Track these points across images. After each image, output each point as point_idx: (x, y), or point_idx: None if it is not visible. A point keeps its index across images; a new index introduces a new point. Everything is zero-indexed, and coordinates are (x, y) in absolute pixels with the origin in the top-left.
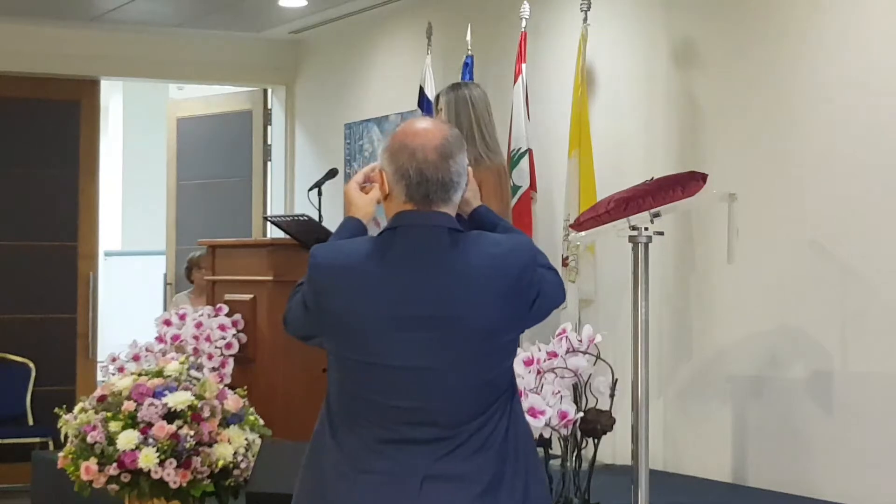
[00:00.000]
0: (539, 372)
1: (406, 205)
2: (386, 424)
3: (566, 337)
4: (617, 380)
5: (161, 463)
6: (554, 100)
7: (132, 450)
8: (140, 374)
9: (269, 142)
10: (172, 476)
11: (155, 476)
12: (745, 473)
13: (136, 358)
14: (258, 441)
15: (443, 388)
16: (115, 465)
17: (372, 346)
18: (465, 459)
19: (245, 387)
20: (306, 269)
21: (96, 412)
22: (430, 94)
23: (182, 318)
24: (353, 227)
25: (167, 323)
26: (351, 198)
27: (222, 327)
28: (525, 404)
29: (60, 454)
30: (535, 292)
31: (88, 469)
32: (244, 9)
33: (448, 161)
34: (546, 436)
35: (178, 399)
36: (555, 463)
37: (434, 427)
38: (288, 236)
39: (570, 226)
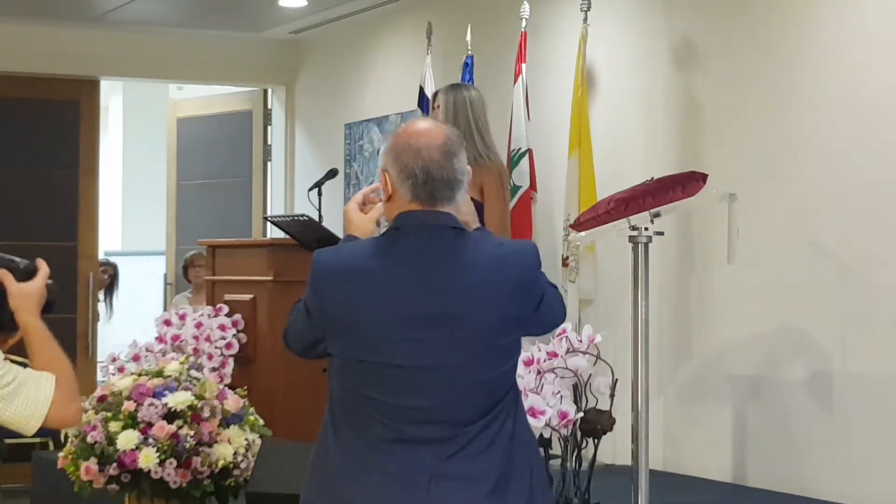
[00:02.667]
0: (539, 372)
1: (411, 204)
2: (392, 424)
3: (566, 337)
4: (617, 380)
5: (161, 463)
6: (554, 100)
7: (132, 450)
8: (140, 374)
9: (269, 142)
10: (172, 476)
11: (155, 476)
12: (745, 473)
13: (136, 358)
14: (258, 441)
15: (450, 386)
16: (115, 465)
17: (378, 345)
18: (471, 459)
19: (245, 387)
20: (307, 269)
21: (96, 412)
22: (430, 94)
23: (182, 318)
24: None
25: (167, 323)
26: (351, 217)
27: (222, 327)
28: (525, 404)
29: (60, 454)
30: (540, 295)
31: (88, 469)
32: (244, 9)
33: (452, 160)
34: (546, 436)
35: (178, 399)
36: (555, 463)
37: (441, 426)
38: (288, 236)
39: (570, 226)
